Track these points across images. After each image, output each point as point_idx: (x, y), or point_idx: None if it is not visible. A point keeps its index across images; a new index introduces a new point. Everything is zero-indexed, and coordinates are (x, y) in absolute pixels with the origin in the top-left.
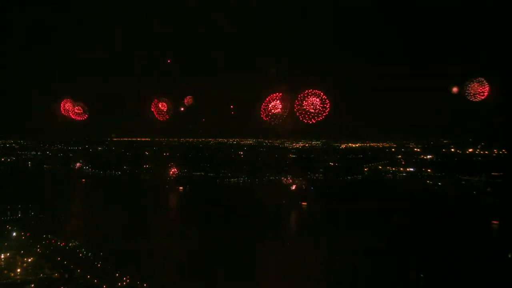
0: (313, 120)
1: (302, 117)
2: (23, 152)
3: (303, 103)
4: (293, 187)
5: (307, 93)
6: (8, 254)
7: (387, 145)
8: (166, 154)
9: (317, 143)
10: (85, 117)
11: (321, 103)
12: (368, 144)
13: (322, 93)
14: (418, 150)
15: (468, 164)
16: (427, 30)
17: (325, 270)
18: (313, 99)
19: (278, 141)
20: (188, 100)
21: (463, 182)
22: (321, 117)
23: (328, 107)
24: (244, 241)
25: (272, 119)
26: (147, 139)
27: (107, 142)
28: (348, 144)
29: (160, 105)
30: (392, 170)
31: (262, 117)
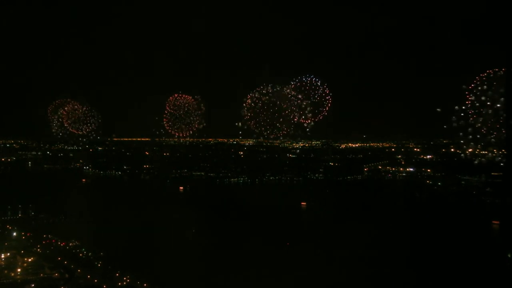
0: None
1: None
2: (23, 152)
3: None
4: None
5: None
6: (8, 254)
7: (387, 145)
8: (166, 154)
9: (317, 143)
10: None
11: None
12: (368, 144)
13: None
14: (418, 150)
15: (468, 164)
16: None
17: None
18: None
19: (278, 141)
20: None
21: (463, 182)
22: None
23: None
24: (244, 240)
25: None
26: (147, 139)
27: (107, 142)
28: (348, 144)
29: None
30: (392, 170)
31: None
